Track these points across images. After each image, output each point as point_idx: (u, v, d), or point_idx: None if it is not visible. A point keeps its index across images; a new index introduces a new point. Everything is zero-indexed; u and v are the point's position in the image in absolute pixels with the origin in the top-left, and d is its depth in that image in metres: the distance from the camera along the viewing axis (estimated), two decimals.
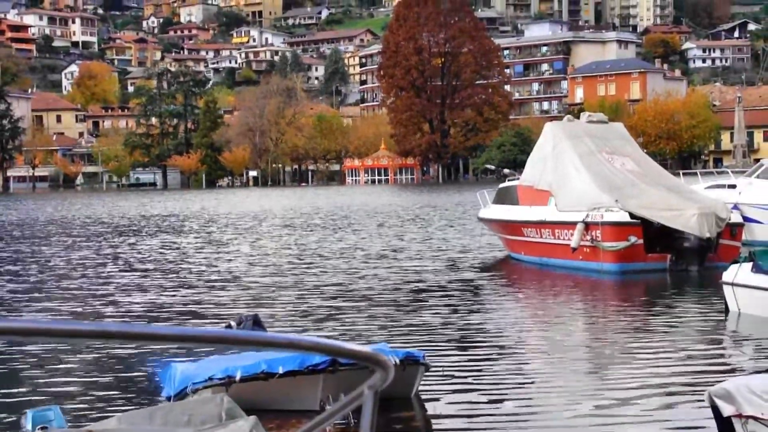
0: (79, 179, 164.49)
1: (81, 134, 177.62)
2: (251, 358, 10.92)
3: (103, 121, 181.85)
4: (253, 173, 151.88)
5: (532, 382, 12.27)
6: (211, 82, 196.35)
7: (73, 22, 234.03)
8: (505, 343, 14.86)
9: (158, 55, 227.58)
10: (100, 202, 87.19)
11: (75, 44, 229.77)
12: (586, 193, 25.45)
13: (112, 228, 47.47)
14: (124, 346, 14.27)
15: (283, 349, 1.92)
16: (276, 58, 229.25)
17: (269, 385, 10.49)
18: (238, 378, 10.46)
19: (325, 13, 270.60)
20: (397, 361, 10.32)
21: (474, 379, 12.21)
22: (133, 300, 20.70)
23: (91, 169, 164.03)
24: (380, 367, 1.92)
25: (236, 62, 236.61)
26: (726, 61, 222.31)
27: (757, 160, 39.12)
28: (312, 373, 10.41)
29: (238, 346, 1.88)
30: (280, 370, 10.40)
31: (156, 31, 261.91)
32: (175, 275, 25.41)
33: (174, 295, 21.25)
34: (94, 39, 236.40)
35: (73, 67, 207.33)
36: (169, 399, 10.67)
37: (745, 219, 26.62)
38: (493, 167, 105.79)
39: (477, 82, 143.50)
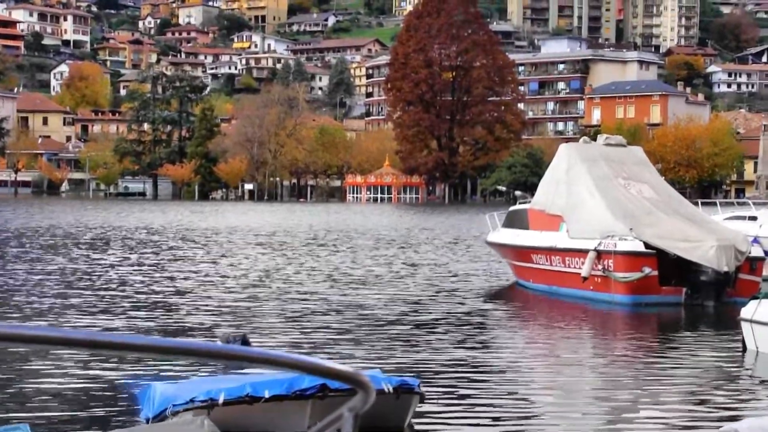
0: (65, 186, 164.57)
1: (68, 138, 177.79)
2: (236, 380, 10.87)
3: (93, 126, 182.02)
4: (249, 186, 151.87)
5: (534, 418, 12.21)
6: (208, 89, 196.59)
7: (65, 19, 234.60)
8: (508, 376, 14.81)
9: (154, 57, 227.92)
10: (81, 211, 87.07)
11: (66, 43, 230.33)
12: (600, 220, 25.44)
13: (76, 240, 47.04)
14: (102, 363, 14.23)
15: (259, 365, 1.88)
16: (278, 65, 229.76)
17: (254, 410, 10.43)
18: (221, 401, 10.40)
19: (331, 21, 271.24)
20: (391, 388, 10.28)
21: (472, 413, 12.16)
22: (83, 322, 19.97)
23: (77, 175, 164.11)
24: (362, 389, 1.90)
25: (236, 68, 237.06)
26: (752, 87, 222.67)
27: None
28: (299, 398, 10.36)
29: (209, 359, 1.84)
30: (266, 394, 10.34)
31: (152, 32, 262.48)
32: (141, 295, 24.88)
33: (140, 318, 20.92)
34: (87, 38, 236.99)
35: (63, 67, 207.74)
36: (147, 421, 10.62)
37: (766, 253, 26.59)
38: (503, 189, 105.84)
39: (489, 98, 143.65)
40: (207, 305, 22.58)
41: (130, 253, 38.35)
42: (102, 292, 24.93)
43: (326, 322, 20.07)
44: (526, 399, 13.23)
